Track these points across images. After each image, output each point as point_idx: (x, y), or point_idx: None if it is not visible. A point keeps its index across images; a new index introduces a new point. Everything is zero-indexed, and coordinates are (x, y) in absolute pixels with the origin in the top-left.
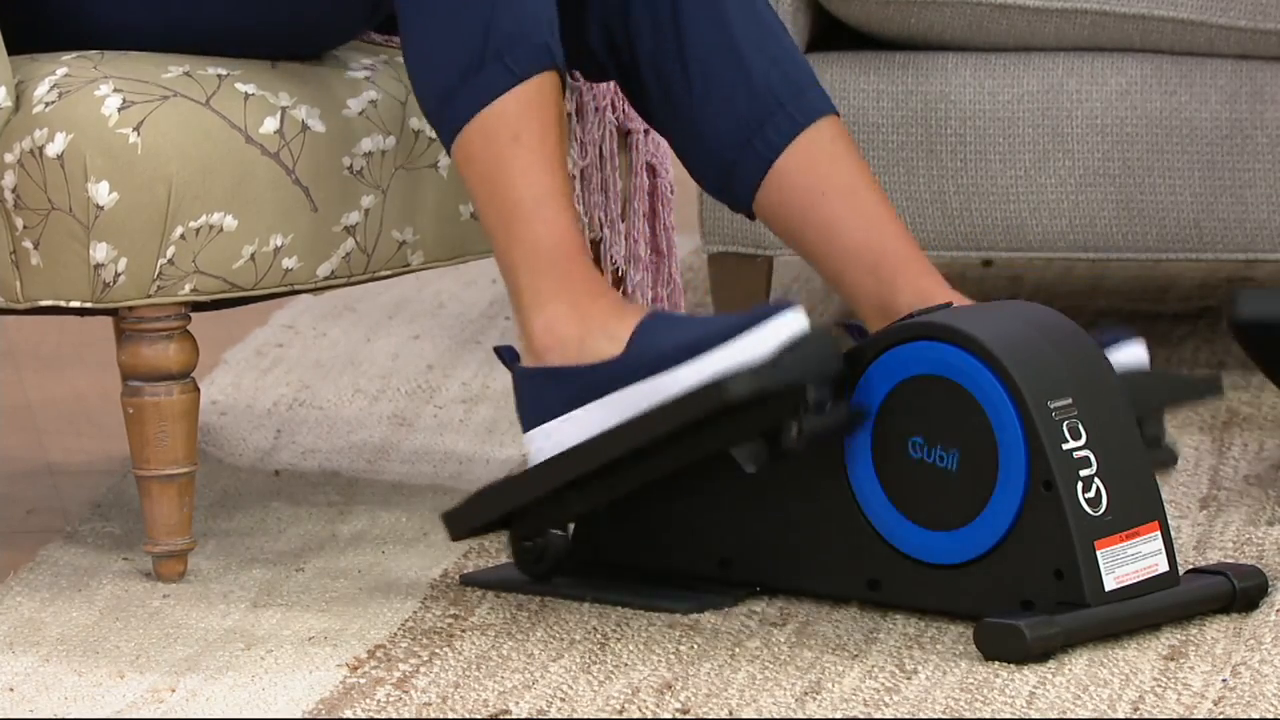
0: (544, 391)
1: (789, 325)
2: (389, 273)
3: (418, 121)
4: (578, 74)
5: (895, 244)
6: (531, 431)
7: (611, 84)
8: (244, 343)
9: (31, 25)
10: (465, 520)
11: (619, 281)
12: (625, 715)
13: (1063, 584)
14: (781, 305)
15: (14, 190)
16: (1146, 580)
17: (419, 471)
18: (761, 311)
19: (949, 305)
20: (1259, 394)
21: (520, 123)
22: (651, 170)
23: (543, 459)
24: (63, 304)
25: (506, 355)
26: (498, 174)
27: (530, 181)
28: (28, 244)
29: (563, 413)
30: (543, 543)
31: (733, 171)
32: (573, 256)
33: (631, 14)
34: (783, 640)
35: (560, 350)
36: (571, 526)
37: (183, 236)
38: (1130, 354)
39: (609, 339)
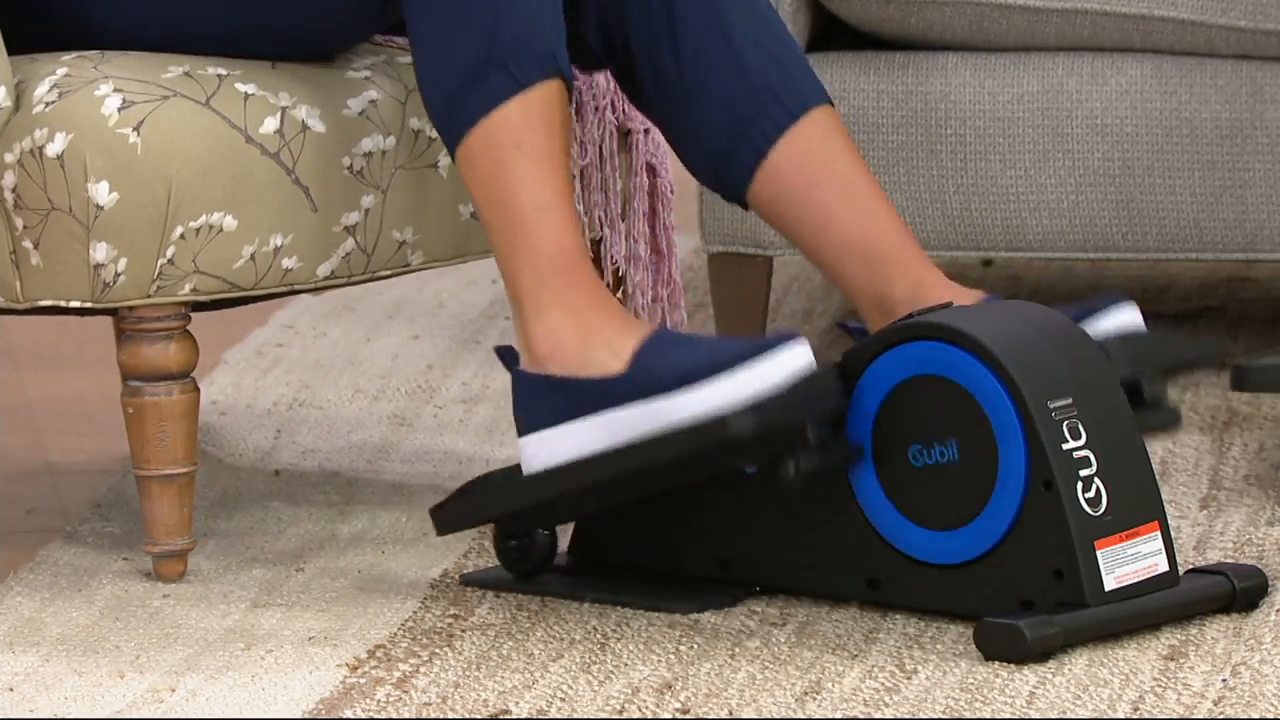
0: (542, 398)
1: (793, 360)
2: (389, 273)
3: (418, 121)
4: (574, 67)
5: (889, 234)
6: (526, 437)
7: (611, 84)
8: (244, 343)
9: (31, 25)
10: (454, 520)
11: (619, 281)
12: (625, 715)
13: (1062, 584)
14: (785, 336)
15: (14, 190)
16: (1146, 580)
17: (419, 471)
18: (766, 342)
19: (949, 304)
20: (1258, 394)
21: (523, 130)
22: (651, 170)
23: (536, 466)
24: (63, 304)
25: (507, 356)
26: (500, 181)
27: (533, 190)
28: (28, 244)
29: (559, 422)
30: (528, 542)
31: (726, 162)
32: (575, 265)
33: (627, 4)
34: (783, 640)
35: (560, 358)
36: (558, 526)
37: (183, 236)
38: (1124, 318)
39: (611, 353)
